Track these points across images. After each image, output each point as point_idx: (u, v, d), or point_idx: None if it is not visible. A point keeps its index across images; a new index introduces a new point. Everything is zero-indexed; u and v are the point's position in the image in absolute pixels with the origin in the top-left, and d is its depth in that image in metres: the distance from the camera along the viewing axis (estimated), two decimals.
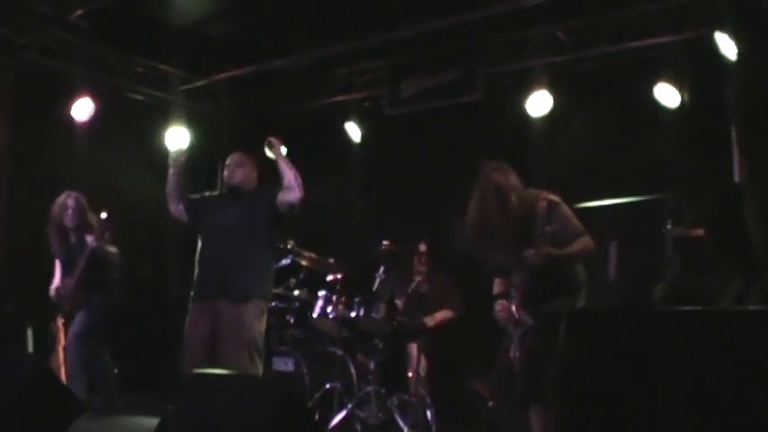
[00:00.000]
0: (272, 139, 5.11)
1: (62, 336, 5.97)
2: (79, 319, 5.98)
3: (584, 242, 4.36)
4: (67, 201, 6.09)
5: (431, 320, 6.32)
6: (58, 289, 6.09)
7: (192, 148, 6.92)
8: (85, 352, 5.96)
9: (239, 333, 4.77)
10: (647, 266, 5.77)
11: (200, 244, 5.13)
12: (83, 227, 6.06)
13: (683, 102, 6.29)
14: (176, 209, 5.08)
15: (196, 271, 5.07)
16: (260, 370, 4.87)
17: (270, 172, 5.20)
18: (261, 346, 4.88)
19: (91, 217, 6.09)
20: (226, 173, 5.14)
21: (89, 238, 5.91)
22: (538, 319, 4.26)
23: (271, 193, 4.98)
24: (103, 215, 5.88)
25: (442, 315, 6.41)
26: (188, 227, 5.23)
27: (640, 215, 6.26)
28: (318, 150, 8.11)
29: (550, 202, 4.31)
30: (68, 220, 6.08)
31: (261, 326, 4.90)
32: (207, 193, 5.31)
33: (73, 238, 6.14)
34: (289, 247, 6.24)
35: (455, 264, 6.49)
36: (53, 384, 3.95)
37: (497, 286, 4.69)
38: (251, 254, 4.91)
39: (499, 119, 7.15)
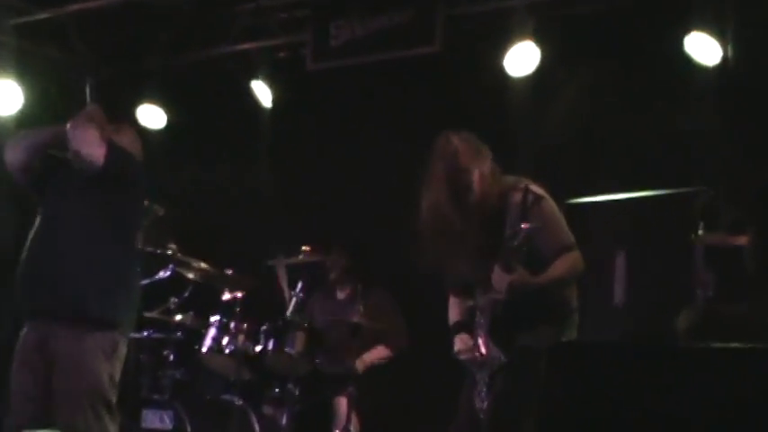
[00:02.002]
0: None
1: None
2: None
3: (571, 261, 4.46)
4: None
5: (360, 364, 6.40)
6: None
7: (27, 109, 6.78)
8: None
9: (75, 377, 4.68)
10: (668, 286, 5.87)
11: (33, 228, 5.04)
12: None
13: (724, 58, 6.33)
14: (23, 157, 4.95)
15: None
16: (109, 431, 4.80)
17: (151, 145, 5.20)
18: (110, 396, 4.78)
19: None
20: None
21: None
22: (512, 356, 4.33)
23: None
24: None
25: (375, 354, 6.49)
26: (28, 190, 5.12)
27: (659, 216, 6.35)
28: (214, 118, 8.09)
29: (528, 193, 4.35)
30: None
31: (111, 367, 4.78)
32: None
33: None
34: (169, 253, 6.22)
35: (394, 276, 6.56)
36: None
37: (454, 309, 4.75)
38: (96, 257, 4.85)
39: (466, 80, 7.21)
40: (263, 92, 7.85)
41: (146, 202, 5.33)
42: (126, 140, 5.10)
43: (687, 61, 6.30)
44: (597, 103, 6.79)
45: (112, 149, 4.77)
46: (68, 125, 4.76)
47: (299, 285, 6.23)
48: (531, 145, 6.61)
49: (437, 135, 4.56)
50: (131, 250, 5.04)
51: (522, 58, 6.77)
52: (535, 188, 4.42)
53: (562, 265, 4.40)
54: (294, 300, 6.20)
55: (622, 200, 6.46)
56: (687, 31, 6.28)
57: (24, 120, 7.47)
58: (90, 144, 4.73)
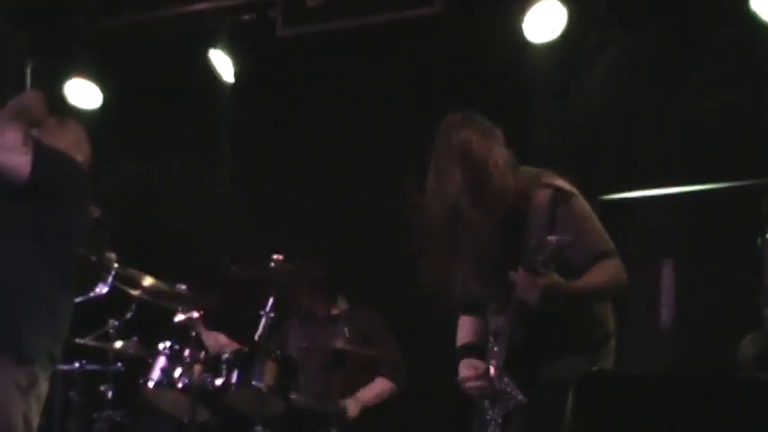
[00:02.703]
0: None
1: None
2: None
3: (613, 269, 4.37)
4: None
5: (354, 405, 6.40)
6: None
7: None
8: None
9: None
10: (727, 303, 5.89)
11: None
12: None
13: None
14: None
15: None
16: None
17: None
18: None
19: None
20: None
21: None
22: (532, 393, 4.32)
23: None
24: None
25: (374, 390, 6.51)
26: None
27: (715, 215, 6.37)
28: (162, 96, 8.07)
29: (557, 191, 4.34)
30: None
31: (27, 407, 4.78)
32: None
33: None
34: (107, 263, 6.21)
35: (384, 292, 6.56)
36: None
37: (465, 328, 4.74)
38: (10, 278, 4.83)
39: (474, 48, 7.22)
40: (222, 63, 7.86)
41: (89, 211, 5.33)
42: (67, 140, 5.11)
43: (752, 23, 6.30)
44: (636, 76, 6.80)
45: (40, 157, 4.73)
46: None
47: (270, 303, 6.22)
48: (554, 128, 6.62)
49: (438, 117, 4.52)
50: (62, 275, 5.00)
51: (544, 21, 6.78)
52: (562, 183, 4.38)
53: (602, 274, 4.29)
54: (264, 321, 6.19)
55: (668, 195, 6.48)
56: None
57: None
58: (8, 151, 4.72)
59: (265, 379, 6.07)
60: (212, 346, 6.66)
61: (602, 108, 6.79)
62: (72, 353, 6.34)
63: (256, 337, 6.23)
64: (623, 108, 6.78)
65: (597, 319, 4.44)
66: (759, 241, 5.26)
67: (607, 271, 4.32)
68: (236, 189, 8.02)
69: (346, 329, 6.21)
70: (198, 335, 6.35)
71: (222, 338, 6.66)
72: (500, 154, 4.40)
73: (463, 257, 4.37)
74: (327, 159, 7.65)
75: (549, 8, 6.73)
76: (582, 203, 4.42)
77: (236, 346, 6.58)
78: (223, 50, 7.84)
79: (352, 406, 6.34)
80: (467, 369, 4.52)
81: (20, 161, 4.69)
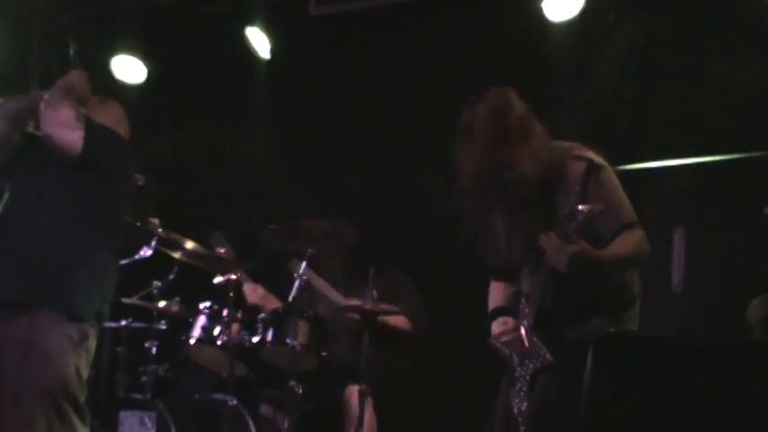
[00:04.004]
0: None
1: None
2: None
3: (638, 239, 4.38)
4: None
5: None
6: None
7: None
8: None
9: (35, 367, 4.69)
10: (736, 268, 5.85)
11: None
12: None
13: None
14: (3, 127, 4.99)
15: None
16: None
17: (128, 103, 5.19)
18: (77, 393, 4.78)
19: None
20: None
21: None
22: (559, 352, 4.31)
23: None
24: None
25: (393, 321, 6.52)
26: None
27: (725, 185, 6.33)
28: (202, 72, 8.07)
29: (590, 163, 4.30)
30: None
31: (78, 359, 4.81)
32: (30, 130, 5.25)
33: None
34: (151, 228, 6.21)
35: (412, 258, 6.55)
36: None
37: (496, 294, 4.73)
38: (65, 243, 4.86)
39: (497, 25, 7.19)
40: (259, 40, 7.84)
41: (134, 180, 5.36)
42: (111, 119, 5.18)
43: (764, 2, 6.24)
44: (654, 52, 6.75)
45: (91, 133, 4.81)
46: (42, 101, 4.82)
47: (303, 266, 6.21)
48: (574, 102, 6.59)
49: (462, 90, 4.49)
50: (109, 240, 5.06)
51: (563, 0, 6.73)
52: (592, 154, 4.37)
53: (626, 244, 4.31)
54: (297, 283, 6.18)
55: (681, 166, 6.44)
56: None
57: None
58: (64, 127, 4.80)
59: (298, 337, 6.03)
60: (250, 295, 6.69)
61: (618, 82, 6.76)
62: (119, 311, 6.43)
63: (290, 298, 6.22)
64: (638, 83, 6.74)
65: (623, 284, 4.45)
66: (766, 210, 5.22)
67: (632, 240, 4.34)
68: (271, 157, 7.99)
69: (374, 291, 6.19)
70: (237, 294, 6.36)
71: (260, 290, 6.69)
72: (536, 125, 4.39)
73: (499, 221, 4.37)
74: (357, 129, 7.62)
75: None
76: (611, 175, 4.43)
77: (273, 298, 6.61)
78: (259, 28, 7.82)
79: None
80: (498, 326, 4.54)
81: (73, 136, 4.77)
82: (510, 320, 4.50)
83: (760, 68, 6.20)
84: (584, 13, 6.69)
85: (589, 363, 2.61)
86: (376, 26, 7.67)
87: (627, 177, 4.89)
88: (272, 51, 7.85)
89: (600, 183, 4.32)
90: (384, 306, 6.06)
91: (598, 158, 4.38)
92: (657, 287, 5.92)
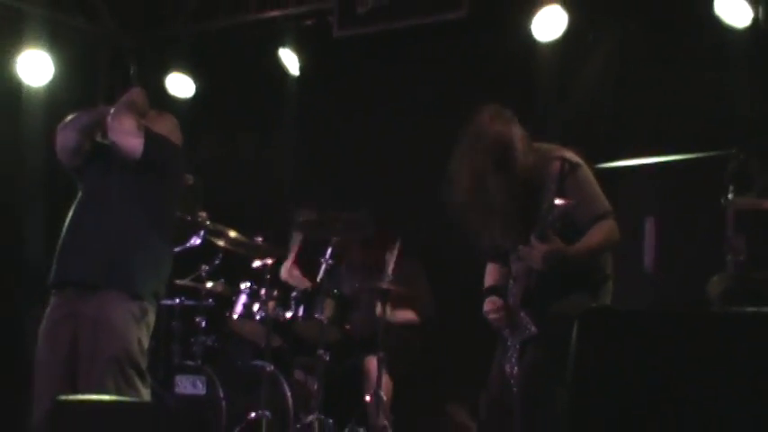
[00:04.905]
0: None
1: None
2: None
3: (607, 229, 4.41)
4: None
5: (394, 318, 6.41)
6: None
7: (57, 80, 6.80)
8: None
9: (105, 339, 4.74)
10: (698, 251, 5.84)
11: (72, 207, 5.13)
12: None
13: (756, 20, 6.18)
14: (77, 137, 5.06)
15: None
16: (144, 396, 4.86)
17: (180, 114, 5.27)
18: (140, 361, 4.84)
19: None
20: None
21: None
22: (543, 325, 4.34)
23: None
24: None
25: (402, 315, 6.50)
26: (71, 171, 5.20)
27: (689, 180, 6.32)
28: (241, 87, 8.09)
29: (565, 162, 4.33)
30: None
31: (140, 332, 4.89)
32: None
33: None
34: (199, 221, 6.24)
35: (424, 247, 6.57)
36: None
37: (491, 274, 4.76)
38: (130, 233, 4.93)
39: (493, 45, 7.15)
40: (290, 60, 7.85)
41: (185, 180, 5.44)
42: (166, 128, 5.24)
43: (717, 23, 6.20)
44: (626, 66, 6.73)
45: (150, 140, 4.90)
46: (109, 114, 4.89)
47: (329, 252, 6.24)
48: (559, 110, 6.58)
49: (461, 103, 4.53)
50: (165, 231, 5.14)
51: (549, 23, 6.72)
52: (571, 156, 4.39)
53: (597, 235, 4.34)
54: (323, 266, 6.22)
55: (652, 165, 6.43)
56: None
57: (55, 90, 7.52)
58: (127, 135, 4.87)
59: (325, 313, 6.09)
60: (285, 275, 6.76)
61: (597, 93, 6.74)
62: (173, 291, 6.48)
63: (318, 279, 6.25)
64: (614, 93, 6.70)
65: (598, 264, 4.48)
66: (723, 201, 5.22)
67: (602, 230, 4.37)
68: (299, 162, 8.02)
69: (390, 274, 6.22)
70: (273, 276, 6.40)
71: (295, 272, 6.74)
72: (521, 134, 4.41)
73: (492, 216, 4.38)
74: (374, 136, 7.62)
75: (553, 12, 6.66)
76: (585, 172, 4.46)
77: (305, 280, 6.66)
78: (290, 49, 7.83)
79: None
80: (488, 305, 4.56)
81: (135, 143, 4.85)
82: (498, 300, 4.52)
83: (716, 78, 6.19)
84: (567, 33, 6.67)
85: (575, 333, 2.61)
86: (390, 47, 7.67)
87: (605, 174, 4.90)
88: (301, 69, 7.83)
89: (576, 179, 4.35)
90: (396, 288, 6.09)
91: (575, 158, 4.41)
92: (632, 268, 5.94)
